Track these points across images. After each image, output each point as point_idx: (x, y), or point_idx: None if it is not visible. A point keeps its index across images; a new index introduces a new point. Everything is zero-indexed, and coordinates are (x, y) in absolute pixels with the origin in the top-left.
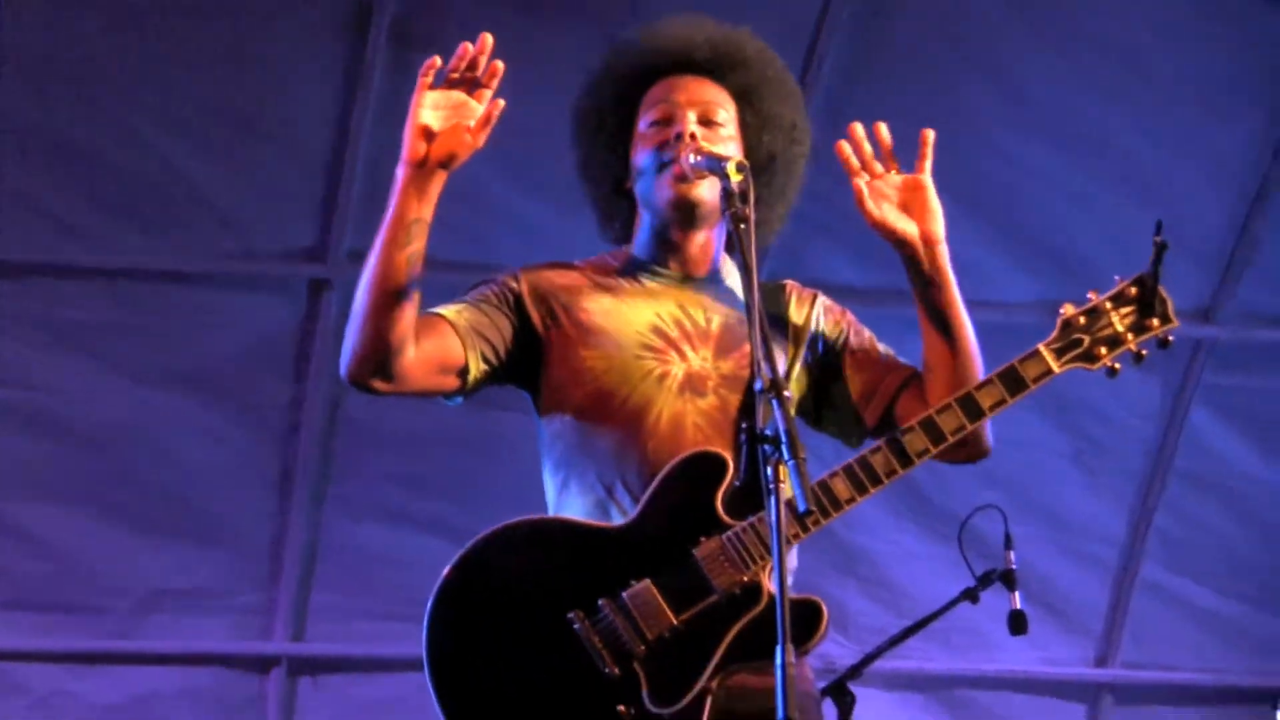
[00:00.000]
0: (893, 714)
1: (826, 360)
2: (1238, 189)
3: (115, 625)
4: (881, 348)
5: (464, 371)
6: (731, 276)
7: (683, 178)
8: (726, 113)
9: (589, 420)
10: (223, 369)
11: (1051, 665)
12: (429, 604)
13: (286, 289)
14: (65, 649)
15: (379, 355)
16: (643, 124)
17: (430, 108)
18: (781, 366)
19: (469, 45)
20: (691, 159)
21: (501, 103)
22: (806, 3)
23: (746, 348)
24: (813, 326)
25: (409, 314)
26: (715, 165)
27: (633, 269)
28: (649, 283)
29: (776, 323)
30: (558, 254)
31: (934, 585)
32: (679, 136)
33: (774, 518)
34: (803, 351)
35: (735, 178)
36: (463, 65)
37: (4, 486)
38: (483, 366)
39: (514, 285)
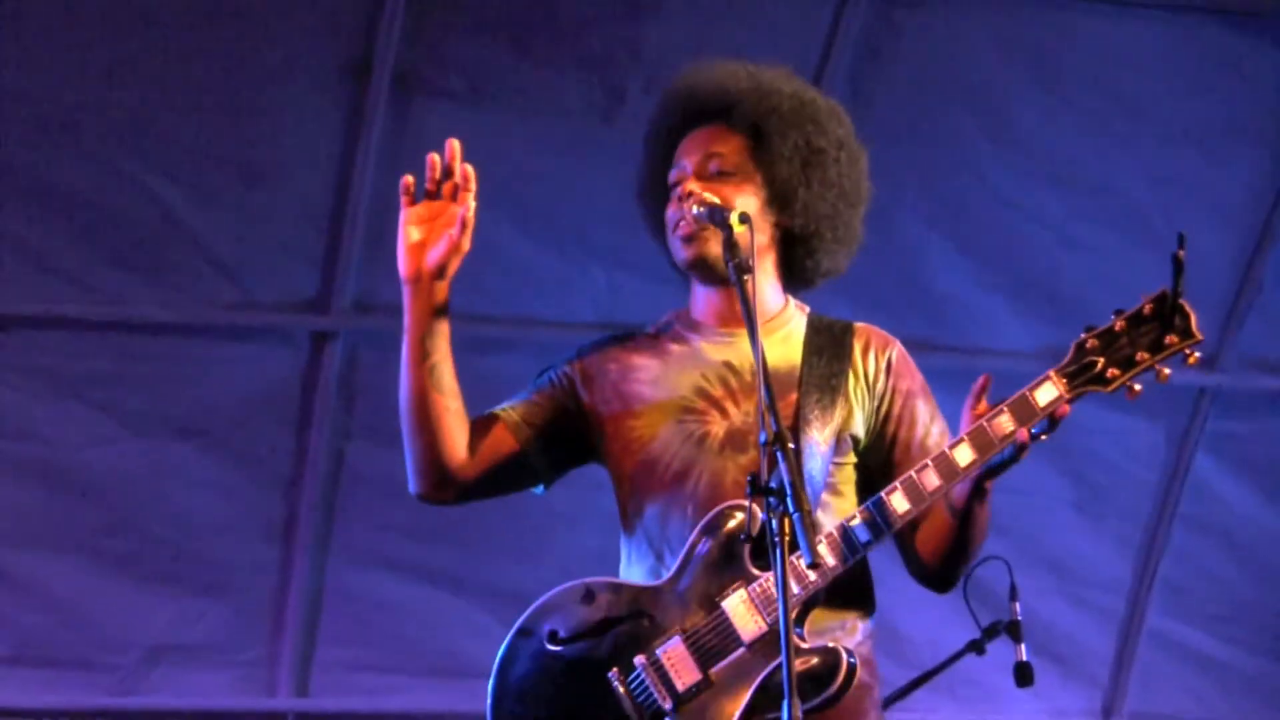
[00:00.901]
0: None
1: (873, 423)
2: (1240, 235)
3: (119, 681)
4: (932, 441)
5: (524, 462)
6: (792, 321)
7: (689, 238)
8: (737, 156)
9: (640, 490)
10: (225, 420)
11: (1058, 716)
12: (494, 669)
13: (289, 340)
14: (70, 705)
15: (435, 469)
16: (670, 179)
17: (414, 224)
18: (834, 413)
19: (436, 157)
20: (695, 210)
21: (474, 204)
22: (807, 50)
23: (792, 396)
24: (880, 381)
25: (450, 423)
26: (717, 216)
27: (686, 330)
28: (699, 342)
29: (836, 370)
30: (561, 302)
31: (940, 636)
32: (680, 199)
33: (779, 572)
34: (866, 401)
35: (738, 228)
36: (437, 175)
37: (6, 539)
38: (542, 454)
39: (568, 370)
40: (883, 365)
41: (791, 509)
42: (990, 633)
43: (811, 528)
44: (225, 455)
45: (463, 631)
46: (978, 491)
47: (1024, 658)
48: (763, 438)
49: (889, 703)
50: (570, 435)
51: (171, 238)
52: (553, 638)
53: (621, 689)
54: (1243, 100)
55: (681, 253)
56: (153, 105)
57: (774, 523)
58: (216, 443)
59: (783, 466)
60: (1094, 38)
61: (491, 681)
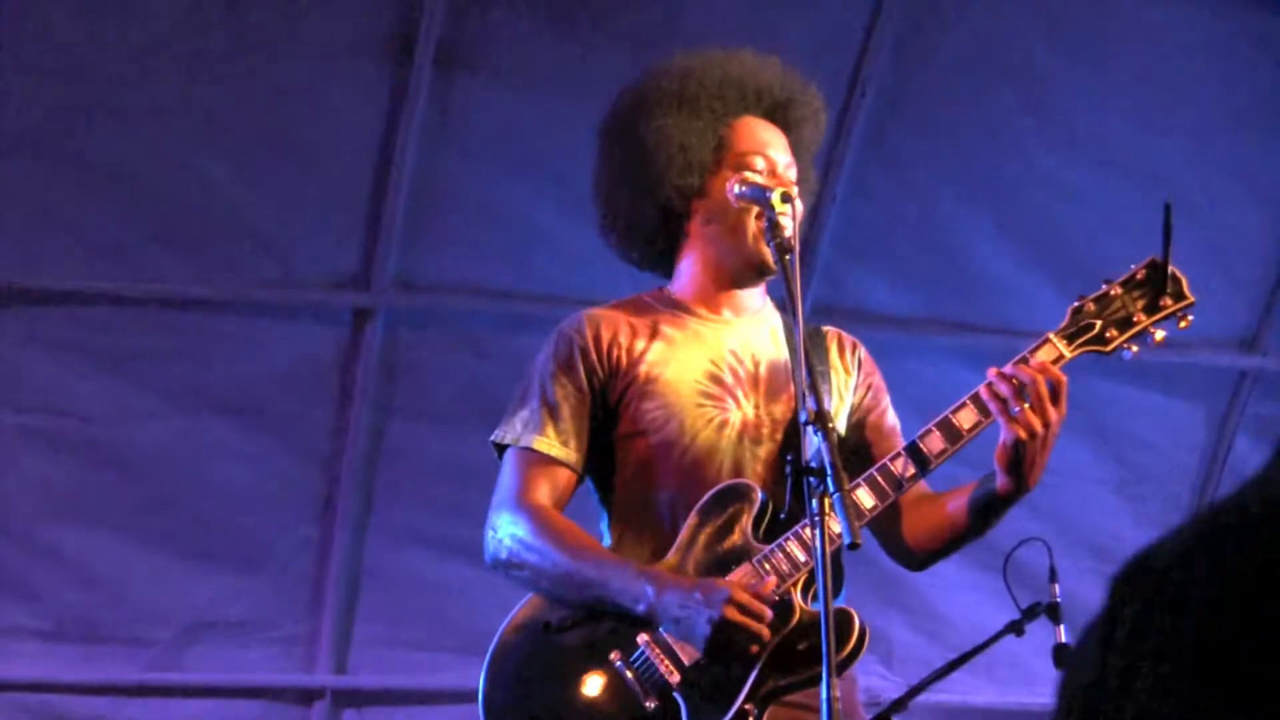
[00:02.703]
0: None
1: (851, 417)
2: None
3: (158, 656)
4: (892, 420)
5: (579, 481)
6: (773, 317)
7: (782, 247)
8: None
9: (651, 472)
10: (265, 396)
11: None
12: (484, 667)
13: (330, 316)
14: (108, 680)
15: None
16: (741, 160)
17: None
18: (829, 406)
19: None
20: (737, 189)
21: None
22: (850, 30)
23: (792, 389)
24: (854, 378)
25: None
26: (759, 195)
27: (679, 312)
28: (697, 327)
29: (824, 368)
30: (601, 279)
31: (978, 617)
32: (786, 198)
33: (819, 550)
34: (848, 397)
35: (780, 208)
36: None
37: (46, 514)
38: (586, 468)
39: (577, 375)
40: (855, 362)
41: (832, 489)
42: (1030, 614)
43: (852, 506)
44: (266, 432)
45: (503, 609)
46: (1017, 490)
47: (1063, 639)
48: (803, 417)
49: (928, 683)
50: (596, 436)
51: (213, 214)
52: (547, 628)
53: (625, 668)
54: None
55: (758, 250)
56: (194, 82)
57: (814, 502)
58: (257, 419)
59: (823, 446)
60: (1136, 18)
61: (482, 679)
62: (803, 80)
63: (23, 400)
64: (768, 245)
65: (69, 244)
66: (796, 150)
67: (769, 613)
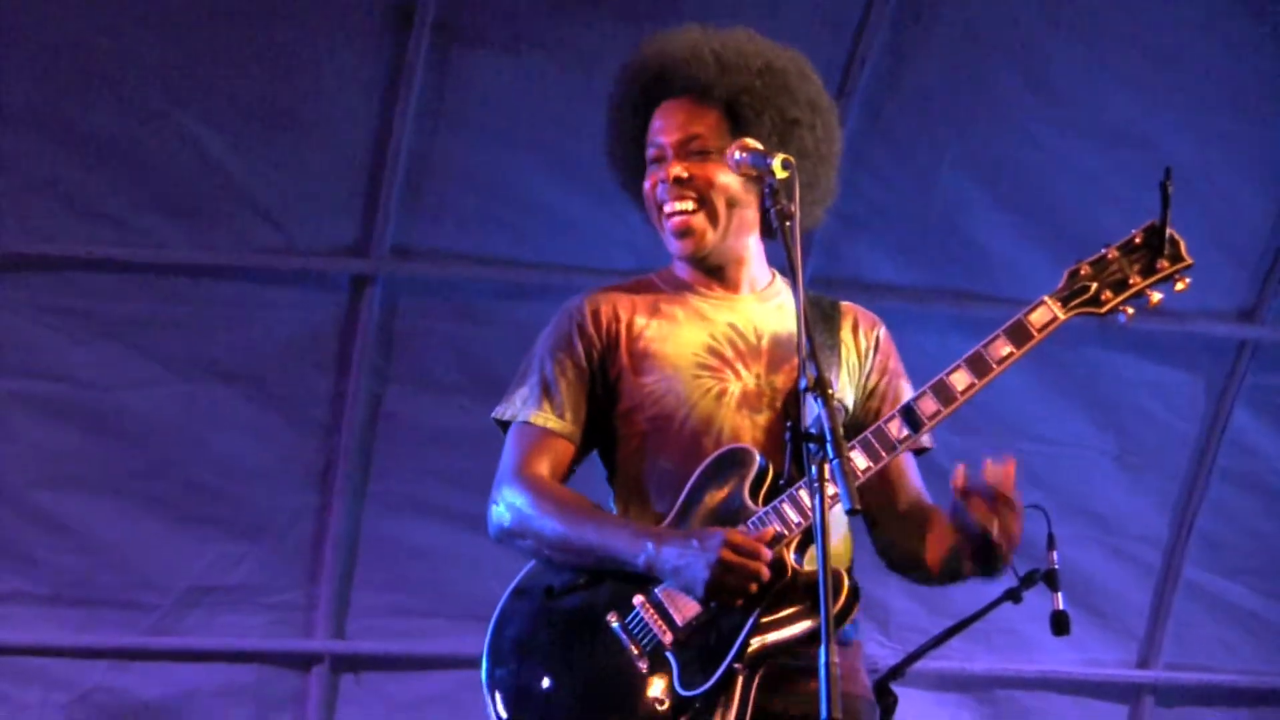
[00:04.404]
0: (934, 714)
1: (859, 395)
2: (1278, 188)
3: (156, 621)
4: None
5: (580, 455)
6: (782, 294)
7: (684, 232)
8: (715, 134)
9: (652, 445)
10: (264, 364)
11: (1093, 666)
12: (488, 633)
13: (329, 284)
14: (107, 645)
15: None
16: (647, 153)
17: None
18: (832, 379)
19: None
20: (737, 155)
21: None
22: (849, 6)
23: (795, 361)
24: (868, 359)
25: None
26: (759, 162)
27: (680, 289)
28: (698, 303)
29: (831, 342)
30: (599, 250)
31: (975, 585)
32: (663, 183)
33: (818, 518)
34: (858, 376)
35: (780, 174)
36: None
37: (45, 480)
38: (586, 441)
39: (584, 345)
40: (871, 342)
41: (831, 455)
42: (1027, 581)
43: (851, 473)
44: (265, 399)
45: (499, 577)
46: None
47: (1061, 607)
48: (803, 384)
49: (925, 650)
50: (593, 409)
51: (212, 183)
52: (549, 593)
53: (622, 630)
54: None
55: (674, 244)
56: (193, 53)
57: (813, 468)
58: (256, 386)
59: (822, 413)
60: None
61: (486, 646)
62: (720, 52)
63: (22, 366)
64: (768, 210)
65: (68, 211)
66: (741, 123)
67: (767, 551)
